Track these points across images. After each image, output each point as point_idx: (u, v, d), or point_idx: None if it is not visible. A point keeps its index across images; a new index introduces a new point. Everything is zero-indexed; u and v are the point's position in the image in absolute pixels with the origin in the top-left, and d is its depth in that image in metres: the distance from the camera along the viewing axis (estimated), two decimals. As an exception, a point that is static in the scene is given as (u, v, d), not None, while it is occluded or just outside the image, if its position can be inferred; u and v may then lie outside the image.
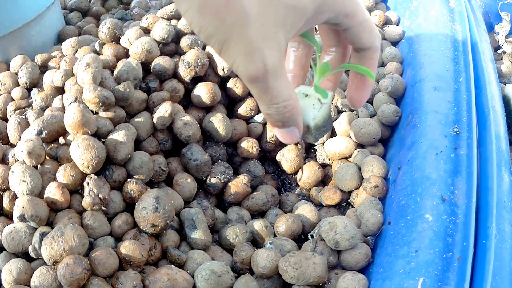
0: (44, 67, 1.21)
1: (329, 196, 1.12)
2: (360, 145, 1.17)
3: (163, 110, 1.07)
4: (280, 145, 1.24)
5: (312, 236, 0.95)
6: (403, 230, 0.89)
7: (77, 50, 1.22)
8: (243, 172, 1.16)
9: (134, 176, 0.99)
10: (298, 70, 0.63)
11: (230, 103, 1.23)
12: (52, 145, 1.00)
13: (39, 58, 1.22)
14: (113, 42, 1.18)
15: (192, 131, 1.07)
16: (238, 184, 1.08)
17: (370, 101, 1.25)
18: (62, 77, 1.10)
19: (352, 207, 1.13)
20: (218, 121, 1.12)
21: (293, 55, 0.62)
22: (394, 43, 1.45)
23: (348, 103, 0.64)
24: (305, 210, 1.06)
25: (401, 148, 1.08)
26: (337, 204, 1.13)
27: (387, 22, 1.48)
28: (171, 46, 1.20)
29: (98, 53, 1.19)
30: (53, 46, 1.33)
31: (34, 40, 1.31)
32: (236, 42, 0.44)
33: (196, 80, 1.17)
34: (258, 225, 1.03)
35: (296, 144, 1.23)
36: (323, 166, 1.21)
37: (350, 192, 1.13)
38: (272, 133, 1.21)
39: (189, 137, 1.07)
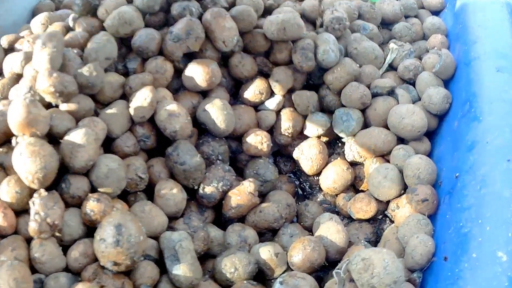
0: (11, 50, 0.97)
1: (361, 208, 0.86)
2: (400, 139, 0.90)
3: (141, 98, 0.82)
4: (298, 138, 0.97)
5: (338, 273, 0.70)
6: (466, 274, 0.63)
7: (47, 27, 0.97)
8: (249, 174, 0.91)
9: (99, 189, 0.75)
10: None
11: (234, 85, 0.97)
12: (0, 149, 0.77)
13: (5, 40, 0.97)
14: (89, 16, 0.93)
15: (180, 125, 0.82)
16: (242, 194, 0.83)
17: (412, 82, 0.97)
18: (21, 61, 0.86)
19: (391, 221, 0.87)
20: (216, 110, 0.87)
21: None
22: (435, 13, 1.19)
23: None
24: (331, 230, 0.80)
25: (457, 147, 0.80)
26: (372, 217, 0.87)
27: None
28: (159, 16, 0.93)
29: (72, 30, 0.94)
30: (24, 25, 1.09)
31: (2, 19, 1.07)
32: None
33: (189, 57, 0.91)
34: (266, 252, 0.78)
35: (318, 137, 0.97)
36: (353, 164, 0.95)
37: (388, 201, 0.87)
38: (290, 122, 0.95)
39: (175, 133, 0.82)
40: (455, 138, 0.82)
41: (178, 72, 0.91)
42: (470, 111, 0.80)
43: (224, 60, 0.94)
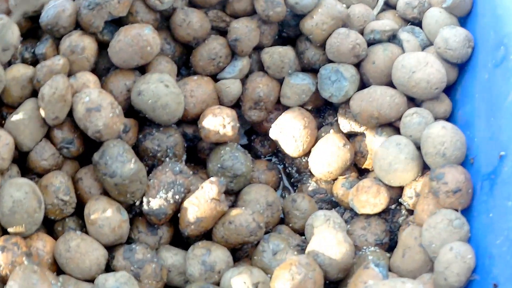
0: None
1: (368, 201, 0.64)
2: (410, 99, 0.66)
3: (49, 93, 0.58)
4: (275, 110, 0.74)
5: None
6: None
7: None
8: (213, 170, 0.67)
9: (8, 230, 0.53)
10: None
11: (184, 52, 0.72)
12: None
13: None
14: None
15: (103, 121, 0.59)
16: (202, 202, 0.60)
17: (418, 23, 0.71)
18: None
19: (408, 211, 0.64)
20: (154, 90, 0.63)
21: None
22: None
23: None
24: (328, 241, 0.58)
25: (495, 111, 0.56)
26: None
27: None
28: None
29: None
30: None
31: None
32: None
33: (116, 24, 0.67)
34: (240, 284, 0.56)
35: (301, 106, 0.73)
36: (351, 136, 0.72)
37: (403, 188, 0.64)
38: (260, 90, 0.71)
39: (99, 132, 0.59)
40: (489, 97, 0.58)
41: (103, 46, 0.67)
42: (508, 58, 0.55)
43: (165, 21, 0.69)
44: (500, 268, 0.48)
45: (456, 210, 0.56)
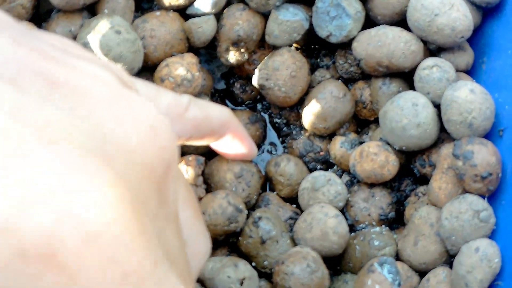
0: None
1: (374, 171, 0.53)
2: (424, 43, 0.54)
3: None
4: (259, 50, 0.60)
5: None
6: None
7: None
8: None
9: None
10: None
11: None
12: None
13: None
14: None
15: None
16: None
17: None
18: None
19: (418, 180, 0.55)
20: (103, 38, 0.49)
21: None
22: None
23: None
24: (325, 232, 0.48)
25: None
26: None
27: None
28: None
29: None
30: None
31: None
32: None
33: None
34: (223, 278, 0.48)
35: (290, 45, 0.59)
36: (351, 81, 0.60)
37: (414, 153, 0.54)
38: (240, 28, 0.56)
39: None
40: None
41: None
42: None
43: None
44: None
45: (484, 197, 0.47)
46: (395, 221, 0.56)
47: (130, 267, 0.20)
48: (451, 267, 0.47)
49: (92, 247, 0.19)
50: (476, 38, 0.55)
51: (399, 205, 0.56)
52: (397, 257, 0.51)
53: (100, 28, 0.49)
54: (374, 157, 0.53)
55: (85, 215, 0.19)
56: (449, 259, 0.48)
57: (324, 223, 0.50)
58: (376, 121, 0.59)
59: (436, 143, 0.53)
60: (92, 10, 0.53)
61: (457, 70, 0.53)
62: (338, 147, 0.58)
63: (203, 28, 0.55)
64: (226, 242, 0.53)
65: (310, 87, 0.60)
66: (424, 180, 0.54)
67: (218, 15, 0.57)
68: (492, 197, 0.47)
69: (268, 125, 0.64)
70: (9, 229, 0.18)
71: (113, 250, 0.19)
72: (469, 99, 0.48)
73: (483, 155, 0.46)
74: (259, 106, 0.64)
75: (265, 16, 0.57)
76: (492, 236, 0.46)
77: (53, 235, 0.18)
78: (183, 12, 0.56)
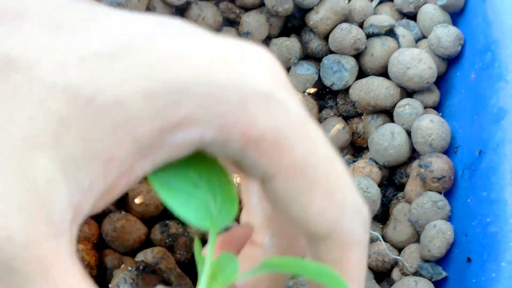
0: None
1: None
2: (402, 89, 0.75)
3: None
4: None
5: None
6: (494, 286, 0.54)
7: None
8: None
9: None
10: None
11: None
12: None
13: None
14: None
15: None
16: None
17: (413, 16, 0.79)
18: None
19: (397, 187, 0.75)
20: None
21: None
22: None
23: None
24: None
25: (478, 110, 0.66)
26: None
27: None
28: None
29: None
30: None
31: None
32: None
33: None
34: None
35: (303, 92, 0.81)
36: (349, 117, 0.81)
37: (394, 168, 0.75)
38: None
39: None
40: (473, 95, 0.68)
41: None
42: (493, 65, 0.64)
43: (179, 15, 0.75)
44: (474, 245, 0.60)
45: (440, 193, 0.67)
46: (382, 218, 0.75)
47: None
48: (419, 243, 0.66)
49: None
50: (442, 81, 0.76)
51: (385, 207, 0.76)
52: (383, 238, 0.70)
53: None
54: (362, 169, 0.74)
55: None
56: (419, 238, 0.67)
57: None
58: (368, 148, 0.79)
59: (410, 160, 0.73)
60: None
61: (426, 107, 0.74)
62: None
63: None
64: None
65: (318, 122, 0.81)
66: (403, 187, 0.74)
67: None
68: (448, 193, 0.67)
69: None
70: None
71: None
72: (429, 126, 0.69)
73: (439, 164, 0.67)
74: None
75: (286, 69, 0.80)
76: (449, 219, 0.65)
77: None
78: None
